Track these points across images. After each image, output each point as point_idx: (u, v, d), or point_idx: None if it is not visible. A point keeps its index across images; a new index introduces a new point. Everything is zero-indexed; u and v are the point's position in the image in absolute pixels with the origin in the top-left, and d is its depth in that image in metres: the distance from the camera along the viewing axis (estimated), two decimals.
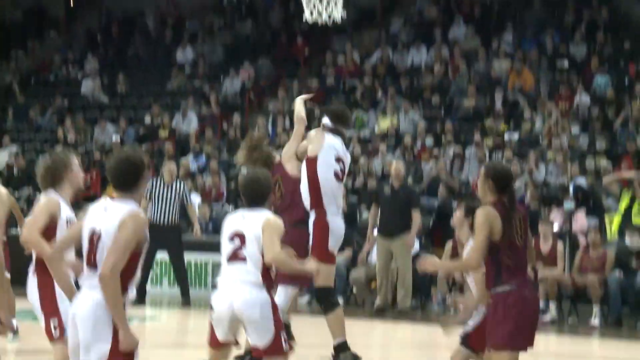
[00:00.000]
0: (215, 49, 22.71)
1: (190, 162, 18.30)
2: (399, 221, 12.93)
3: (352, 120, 7.36)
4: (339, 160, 7.43)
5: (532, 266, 6.50)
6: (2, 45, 23.07)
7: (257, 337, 5.55)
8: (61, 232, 5.61)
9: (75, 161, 5.95)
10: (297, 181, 7.57)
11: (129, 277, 4.53)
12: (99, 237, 4.57)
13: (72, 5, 24.70)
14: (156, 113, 20.33)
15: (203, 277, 14.71)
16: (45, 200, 5.77)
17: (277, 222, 5.75)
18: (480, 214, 5.47)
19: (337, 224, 7.44)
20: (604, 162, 15.26)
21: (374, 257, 13.53)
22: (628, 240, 12.50)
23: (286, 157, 7.82)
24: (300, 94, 20.39)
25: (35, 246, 5.61)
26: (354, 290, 13.95)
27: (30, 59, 23.69)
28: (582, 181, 14.80)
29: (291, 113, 19.87)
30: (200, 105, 20.89)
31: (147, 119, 20.27)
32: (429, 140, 17.63)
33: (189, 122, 20.32)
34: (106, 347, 4.44)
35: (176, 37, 23.25)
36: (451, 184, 15.63)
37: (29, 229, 5.67)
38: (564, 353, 9.73)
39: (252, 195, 5.84)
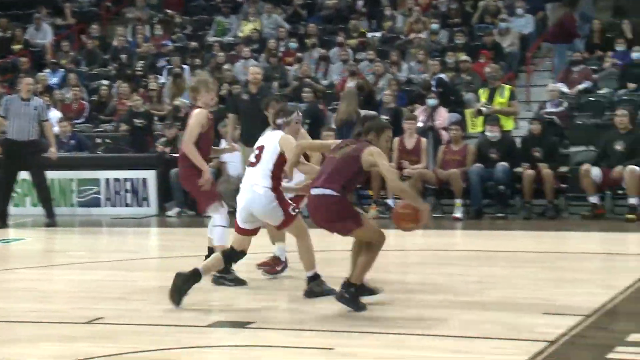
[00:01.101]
0: None
1: (47, 76, 17.65)
2: (261, 128, 12.69)
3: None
4: None
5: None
6: None
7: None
8: None
9: None
10: None
11: None
12: None
13: None
14: (6, 25, 19.42)
15: (67, 195, 14.36)
16: None
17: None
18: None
19: None
20: (463, 57, 15.55)
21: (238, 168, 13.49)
22: (488, 132, 12.85)
23: None
24: (158, 0, 20.03)
25: None
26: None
27: None
28: (443, 77, 15.06)
29: (151, 21, 19.50)
30: (54, 16, 20.06)
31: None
32: (293, 44, 17.53)
33: (43, 34, 19.52)
34: None
35: None
36: (316, 87, 15.64)
37: None
38: (429, 246, 10.06)
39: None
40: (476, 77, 15.02)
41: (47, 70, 18.03)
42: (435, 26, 16.88)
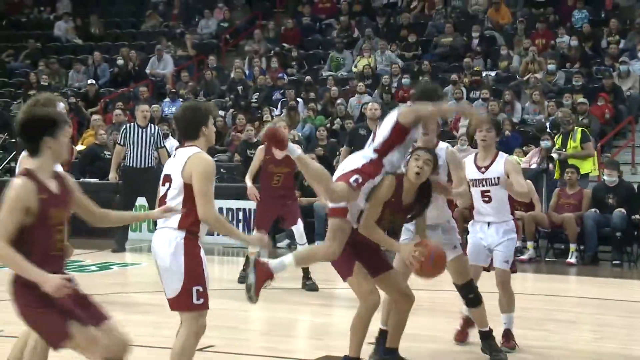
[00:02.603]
0: None
1: (166, 105, 18.16)
2: None
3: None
4: None
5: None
6: None
7: (165, 286, 4.96)
8: None
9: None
10: None
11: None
12: None
13: None
14: (130, 55, 20.08)
15: None
16: None
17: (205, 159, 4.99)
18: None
19: None
20: (580, 99, 15.26)
21: None
22: (606, 177, 12.54)
23: None
24: (276, 33, 20.41)
25: None
26: None
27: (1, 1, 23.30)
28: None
29: (267, 54, 19.88)
30: (176, 47, 20.66)
31: (121, 61, 20.02)
32: (406, 80, 17.55)
33: (164, 65, 20.12)
34: None
35: None
36: None
37: None
38: (541, 291, 9.84)
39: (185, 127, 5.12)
40: (594, 120, 14.70)
41: (167, 100, 18.55)
42: (552, 67, 16.64)
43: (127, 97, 18.81)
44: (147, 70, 19.87)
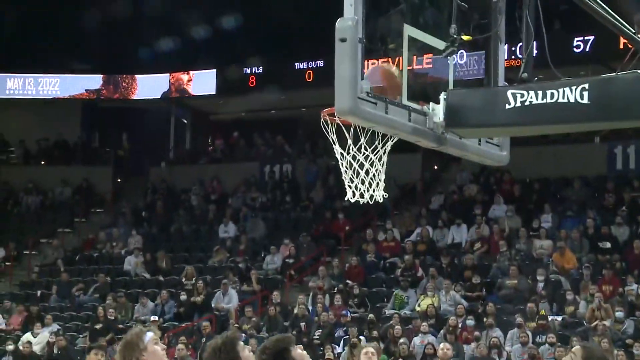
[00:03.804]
0: (257, 226, 23.01)
1: None
2: None
3: None
4: None
5: None
6: (50, 224, 23.67)
7: None
8: None
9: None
10: None
11: None
12: None
13: (118, 182, 25.45)
14: (197, 286, 20.39)
15: None
16: None
17: None
18: None
19: None
20: None
21: None
22: None
23: None
24: (340, 270, 20.62)
25: None
26: None
27: (77, 236, 24.16)
28: None
29: (331, 290, 20.00)
30: (241, 282, 20.96)
31: (184, 297, 20.27)
32: (470, 321, 17.36)
33: (229, 299, 20.32)
34: None
35: (219, 213, 23.66)
36: None
37: None
38: None
39: None
40: None
41: None
42: (620, 314, 16.35)
43: (190, 332, 18.91)
44: (212, 304, 20.08)
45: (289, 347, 5.09)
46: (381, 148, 8.43)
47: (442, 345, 13.37)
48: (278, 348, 5.10)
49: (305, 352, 5.15)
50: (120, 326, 19.01)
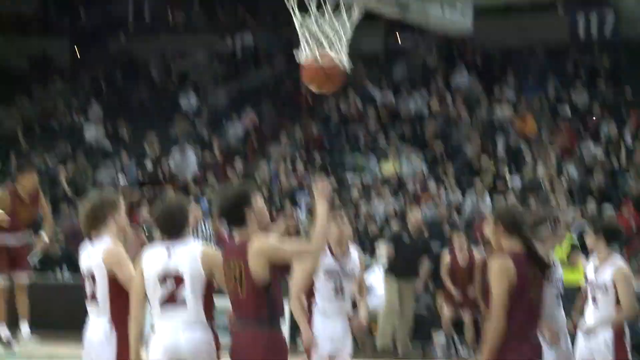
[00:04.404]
0: (219, 96, 22.87)
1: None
2: (412, 265, 13.62)
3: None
4: None
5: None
6: (7, 92, 23.25)
7: None
8: None
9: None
10: None
11: None
12: None
13: (77, 53, 24.98)
14: (157, 156, 20.34)
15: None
16: None
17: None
18: (495, 266, 5.07)
19: None
20: (606, 207, 15.18)
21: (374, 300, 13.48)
22: None
23: None
24: (302, 138, 20.65)
25: None
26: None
27: (35, 106, 23.83)
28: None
29: (293, 158, 20.07)
30: (203, 151, 20.93)
31: (149, 164, 20.25)
32: (431, 185, 17.56)
33: (187, 164, 20.32)
34: None
35: (180, 84, 23.43)
36: (454, 224, 15.57)
37: None
38: None
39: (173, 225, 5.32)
40: None
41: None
42: (575, 174, 16.63)
43: (152, 198, 18.90)
44: (171, 166, 20.06)
45: (251, 192, 5.11)
46: (343, 17, 8.32)
47: (413, 213, 13.76)
48: (242, 191, 5.12)
49: (264, 204, 5.18)
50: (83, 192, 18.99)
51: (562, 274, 6.73)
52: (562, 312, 6.36)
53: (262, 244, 4.90)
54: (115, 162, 20.79)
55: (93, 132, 22.02)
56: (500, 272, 5.04)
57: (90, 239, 5.68)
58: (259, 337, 4.85)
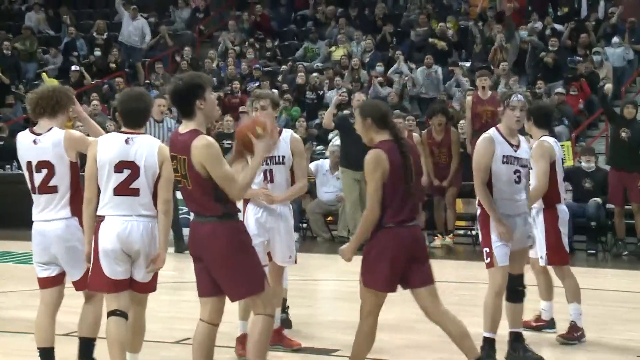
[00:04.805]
0: None
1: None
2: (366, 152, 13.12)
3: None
4: None
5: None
6: None
7: (143, 273, 5.30)
8: None
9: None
10: None
11: None
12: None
13: None
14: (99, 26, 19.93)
15: None
16: None
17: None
18: (369, 159, 5.22)
19: None
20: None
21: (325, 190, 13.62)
22: (583, 163, 12.45)
23: None
24: (251, 24, 20.34)
25: None
26: (310, 223, 13.86)
27: None
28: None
29: (241, 44, 19.81)
30: (150, 37, 20.51)
31: (97, 53, 19.80)
32: (380, 68, 17.47)
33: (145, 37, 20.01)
34: None
35: None
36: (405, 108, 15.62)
37: None
38: None
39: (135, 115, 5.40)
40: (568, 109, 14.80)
41: None
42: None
43: (100, 88, 18.63)
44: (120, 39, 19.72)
45: (205, 85, 5.02)
46: None
47: (356, 95, 13.41)
48: (194, 81, 5.04)
49: (214, 99, 5.10)
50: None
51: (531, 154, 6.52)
52: (524, 194, 6.16)
53: (202, 151, 4.89)
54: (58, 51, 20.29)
55: (34, 19, 21.39)
56: (373, 164, 5.18)
57: (34, 127, 5.58)
58: (218, 227, 4.92)
